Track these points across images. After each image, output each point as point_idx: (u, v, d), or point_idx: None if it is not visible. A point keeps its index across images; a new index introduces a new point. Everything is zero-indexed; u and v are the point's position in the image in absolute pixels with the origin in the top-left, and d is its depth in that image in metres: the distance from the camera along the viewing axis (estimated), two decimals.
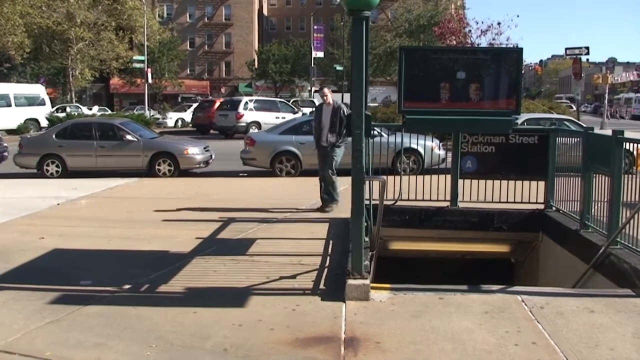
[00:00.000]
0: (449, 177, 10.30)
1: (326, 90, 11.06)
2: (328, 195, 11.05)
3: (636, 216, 6.99)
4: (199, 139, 22.90)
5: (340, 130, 10.71)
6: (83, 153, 17.59)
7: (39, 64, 47.67)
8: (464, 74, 7.50)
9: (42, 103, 37.27)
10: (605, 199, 7.75)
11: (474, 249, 10.53)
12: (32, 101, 36.82)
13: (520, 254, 10.63)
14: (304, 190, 13.57)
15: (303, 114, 29.36)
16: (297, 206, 11.42)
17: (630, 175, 7.43)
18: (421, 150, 15.94)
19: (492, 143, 10.06)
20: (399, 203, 10.28)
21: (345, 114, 10.39)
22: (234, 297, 6.31)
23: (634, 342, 5.17)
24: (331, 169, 10.93)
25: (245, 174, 17.90)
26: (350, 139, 6.53)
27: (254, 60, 77.18)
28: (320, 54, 61.50)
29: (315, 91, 59.19)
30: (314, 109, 11.08)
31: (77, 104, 47.92)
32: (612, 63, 59.92)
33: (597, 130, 9.18)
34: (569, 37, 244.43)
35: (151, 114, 45.53)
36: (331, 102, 10.92)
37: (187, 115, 44.64)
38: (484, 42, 36.11)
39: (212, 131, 35.90)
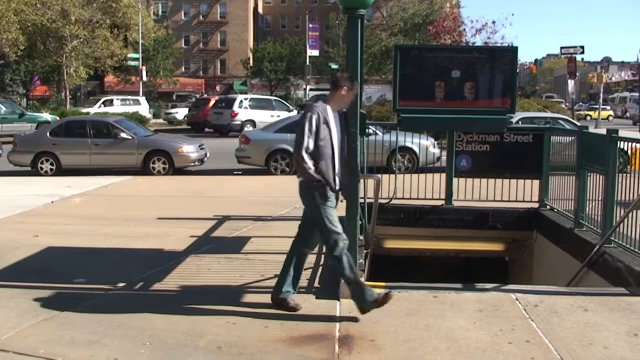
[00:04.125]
0: (443, 175, 10.31)
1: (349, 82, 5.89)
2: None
3: (630, 215, 7.01)
4: (193, 137, 22.88)
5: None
6: (77, 151, 17.57)
7: (33, 62, 47.37)
8: (459, 72, 7.53)
9: None
10: (600, 198, 7.77)
11: (468, 247, 10.55)
12: None
13: (515, 253, 10.65)
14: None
15: (298, 112, 29.36)
16: (292, 204, 11.39)
17: (624, 174, 7.45)
18: (416, 148, 15.97)
19: (487, 142, 10.08)
20: (394, 201, 10.28)
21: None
22: (229, 295, 6.30)
23: (628, 340, 5.18)
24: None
25: (240, 172, 17.88)
26: None
27: (249, 58, 77.06)
28: (316, 53, 61.46)
29: (311, 89, 59.23)
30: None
31: None
32: (607, 62, 59.92)
33: (591, 129, 9.21)
34: (564, 36, 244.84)
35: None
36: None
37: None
38: (478, 40, 36.28)
39: (206, 129, 35.87)
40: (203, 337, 5.21)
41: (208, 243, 8.60)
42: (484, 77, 7.64)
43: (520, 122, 18.30)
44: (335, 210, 5.77)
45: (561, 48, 40.83)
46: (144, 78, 51.39)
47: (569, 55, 39.00)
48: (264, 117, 31.12)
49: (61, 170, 17.33)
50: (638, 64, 66.12)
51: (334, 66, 61.57)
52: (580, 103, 77.61)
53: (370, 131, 11.33)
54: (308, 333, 5.29)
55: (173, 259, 7.65)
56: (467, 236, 10.26)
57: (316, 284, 6.67)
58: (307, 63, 59.11)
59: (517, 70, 8.48)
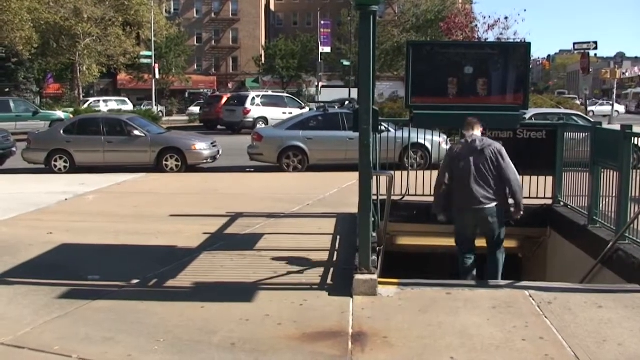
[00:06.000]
0: None
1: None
2: None
3: None
4: (206, 135, 22.93)
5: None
6: (91, 148, 17.69)
7: (47, 60, 47.56)
8: (472, 69, 7.48)
9: None
10: (614, 194, 7.71)
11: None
12: None
13: (528, 250, 10.59)
14: (311, 186, 13.59)
15: (310, 109, 29.35)
16: (305, 201, 11.41)
17: (638, 171, 7.40)
18: (428, 145, 15.93)
19: (500, 138, 9.97)
20: (407, 198, 10.26)
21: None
22: (242, 292, 6.32)
23: None
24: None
25: (253, 170, 17.91)
26: None
27: (260, 55, 77.11)
28: (327, 49, 61.33)
29: (323, 86, 59.21)
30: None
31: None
32: (620, 58, 59.24)
33: (605, 125, 9.15)
34: (577, 32, 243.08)
35: (158, 109, 45.57)
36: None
37: None
38: (491, 37, 35.98)
39: (219, 126, 35.92)
40: (217, 333, 5.22)
41: (221, 240, 8.62)
42: (496, 74, 7.59)
43: (533, 119, 18.21)
44: None
45: (574, 44, 40.45)
46: (157, 76, 51.51)
47: (582, 51, 38.69)
48: (277, 114, 31.13)
49: (75, 168, 17.44)
50: None
51: (346, 63, 61.41)
52: (594, 99, 77.15)
53: (383, 128, 11.28)
54: (321, 330, 5.29)
55: (186, 256, 7.68)
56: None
57: (329, 281, 6.67)
58: (319, 60, 59.04)
59: (530, 66, 8.42)
